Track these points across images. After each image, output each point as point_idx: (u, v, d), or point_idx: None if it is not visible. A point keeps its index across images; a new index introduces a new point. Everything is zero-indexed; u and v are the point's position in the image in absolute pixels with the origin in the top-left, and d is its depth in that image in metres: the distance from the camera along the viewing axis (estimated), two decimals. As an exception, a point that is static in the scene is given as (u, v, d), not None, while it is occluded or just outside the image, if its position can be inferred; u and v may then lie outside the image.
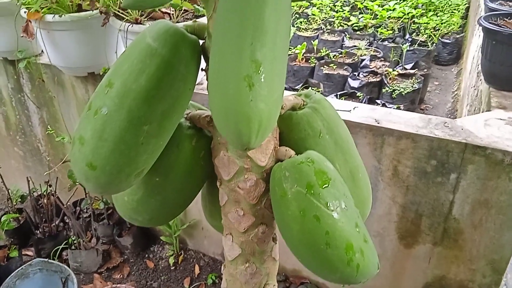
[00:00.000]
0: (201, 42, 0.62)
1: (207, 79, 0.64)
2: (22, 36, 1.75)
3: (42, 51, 1.96)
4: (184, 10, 1.59)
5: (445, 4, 4.95)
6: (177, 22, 1.53)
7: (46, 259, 1.98)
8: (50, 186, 2.13)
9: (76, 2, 1.67)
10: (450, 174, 1.43)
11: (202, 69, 0.63)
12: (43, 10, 1.65)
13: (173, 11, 1.56)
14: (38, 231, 2.16)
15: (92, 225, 2.19)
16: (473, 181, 1.40)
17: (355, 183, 0.70)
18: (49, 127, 2.13)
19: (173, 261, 2.17)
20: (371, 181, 1.13)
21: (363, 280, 0.60)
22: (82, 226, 2.11)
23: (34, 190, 2.19)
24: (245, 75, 0.45)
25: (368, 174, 0.79)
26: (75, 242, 2.12)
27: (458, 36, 4.40)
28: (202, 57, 0.62)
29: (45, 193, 2.15)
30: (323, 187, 0.59)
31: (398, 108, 3.19)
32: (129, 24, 1.51)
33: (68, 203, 2.16)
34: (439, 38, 4.34)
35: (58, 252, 2.13)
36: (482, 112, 1.85)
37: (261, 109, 0.44)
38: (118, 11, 1.55)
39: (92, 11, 1.61)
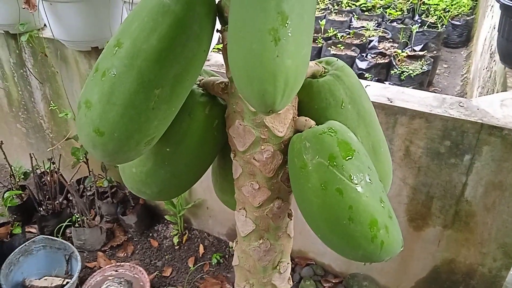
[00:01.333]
0: (217, 0, 0.58)
1: (222, 42, 0.60)
2: (24, 8, 1.69)
3: (44, 24, 1.91)
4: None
5: (455, -15, 4.84)
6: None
7: (49, 237, 1.97)
8: (54, 163, 2.10)
9: (80, -27, 1.62)
10: (464, 155, 1.39)
11: (217, 30, 0.59)
12: (45, -19, 1.60)
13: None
14: (41, 209, 2.14)
15: (96, 203, 2.17)
16: (487, 162, 1.36)
17: (376, 157, 0.66)
18: (52, 103, 2.09)
19: (178, 240, 2.15)
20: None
21: (386, 259, 0.57)
22: (85, 204, 2.09)
23: (37, 167, 2.16)
24: (270, 28, 0.40)
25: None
26: (78, 220, 2.10)
27: (468, 18, 4.30)
28: (217, 17, 0.58)
29: (48, 170, 2.13)
30: (347, 158, 0.55)
31: (407, 90, 3.14)
32: (135, -5, 1.45)
33: (72, 181, 2.13)
34: (449, 20, 4.25)
35: (61, 230, 2.11)
36: (497, 93, 1.80)
37: (288, 66, 0.40)
38: (124, -18, 1.50)
39: (97, -19, 1.55)
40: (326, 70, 0.65)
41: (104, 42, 1.78)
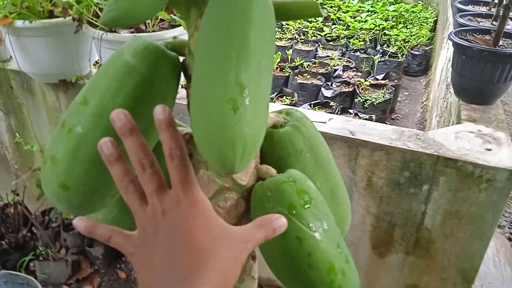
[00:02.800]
0: (181, 59, 0.61)
1: (187, 97, 0.63)
2: (-11, 41, 1.69)
3: (10, 56, 1.90)
4: (160, 19, 1.57)
5: (414, 17, 5.10)
6: (153, 31, 1.51)
7: (12, 271, 1.91)
8: (18, 195, 2.06)
9: (48, 9, 1.63)
10: (422, 185, 1.46)
11: (182, 86, 0.62)
12: (12, 16, 1.60)
13: (148, 20, 1.54)
14: (3, 242, 2.07)
15: (61, 235, 2.12)
16: (444, 192, 1.44)
17: (335, 200, 0.70)
18: (17, 135, 2.06)
19: (146, 272, 2.12)
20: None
21: (344, 300, 0.60)
22: (50, 237, 2.04)
23: (1, 199, 2.11)
24: (229, 98, 0.44)
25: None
26: (43, 253, 2.04)
27: (426, 48, 4.52)
28: (182, 74, 0.61)
29: (11, 202, 2.08)
30: (305, 207, 0.58)
31: (370, 117, 3.25)
32: (103, 32, 1.47)
33: (36, 213, 2.09)
34: (409, 49, 4.45)
35: (25, 264, 2.05)
36: (452, 123, 1.90)
37: (246, 133, 0.44)
38: (92, 19, 1.52)
39: (65, 18, 1.56)
40: (286, 121, 0.69)
41: (72, 75, 1.78)
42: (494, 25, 1.92)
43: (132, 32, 1.50)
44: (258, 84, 0.46)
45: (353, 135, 1.51)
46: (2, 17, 1.58)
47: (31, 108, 2.00)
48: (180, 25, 1.51)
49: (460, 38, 1.73)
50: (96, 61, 1.85)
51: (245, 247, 0.46)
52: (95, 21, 1.51)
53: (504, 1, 1.77)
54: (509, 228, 2.53)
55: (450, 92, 2.27)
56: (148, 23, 1.53)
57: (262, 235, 0.47)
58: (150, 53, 0.56)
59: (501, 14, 1.72)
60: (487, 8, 2.48)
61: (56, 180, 0.55)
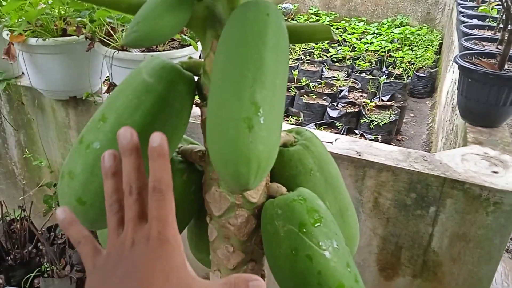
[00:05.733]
0: (196, 78, 0.63)
1: (200, 115, 0.64)
2: (3, 59, 1.73)
3: (22, 72, 1.93)
4: (171, 39, 1.60)
5: (419, 40, 5.15)
6: (164, 50, 1.54)
7: (16, 287, 1.91)
8: (24, 210, 2.06)
9: (61, 27, 1.67)
10: (429, 207, 1.46)
11: (196, 105, 0.64)
12: (26, 33, 1.64)
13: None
14: (9, 258, 2.07)
15: (66, 252, 2.12)
16: (451, 214, 1.43)
17: (344, 220, 0.71)
18: (26, 150, 2.08)
19: (149, 290, 2.10)
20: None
21: (353, 320, 0.60)
22: (56, 253, 2.04)
23: (7, 215, 2.12)
24: (244, 117, 0.45)
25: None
26: (48, 269, 2.04)
27: (432, 70, 4.56)
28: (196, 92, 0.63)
29: (18, 217, 2.08)
30: (315, 225, 0.59)
31: (376, 138, 3.26)
32: (115, 50, 1.50)
33: (43, 229, 2.09)
34: (414, 71, 4.49)
35: (29, 280, 2.05)
36: (458, 145, 1.91)
37: (261, 151, 0.45)
38: (104, 37, 1.55)
39: (78, 36, 1.60)
40: (296, 140, 0.70)
41: (82, 92, 1.81)
42: (500, 49, 1.94)
43: (143, 51, 1.53)
44: (272, 104, 0.48)
45: (359, 155, 1.52)
46: (16, 35, 1.62)
47: (41, 124, 2.03)
48: (190, 45, 1.54)
49: (466, 61, 1.75)
50: (106, 78, 1.88)
51: None
52: (107, 39, 1.54)
53: (509, 26, 1.80)
54: (517, 252, 2.50)
55: (456, 114, 2.29)
56: (159, 42, 1.56)
57: None
58: (167, 72, 0.58)
59: (506, 39, 1.74)
60: (492, 32, 2.50)
61: (74, 195, 0.57)
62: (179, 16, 0.53)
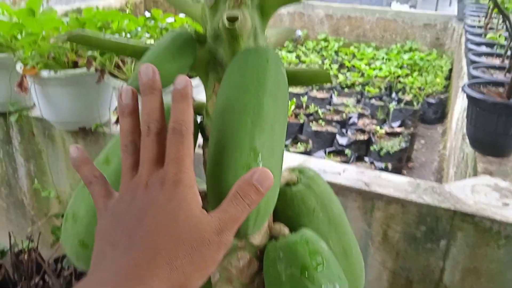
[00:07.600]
0: (199, 118, 0.64)
1: (203, 155, 0.65)
2: (16, 91, 1.76)
3: (34, 104, 1.97)
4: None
5: (429, 65, 5.16)
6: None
7: (22, 320, 1.89)
8: (32, 241, 2.07)
9: (72, 59, 1.70)
10: (440, 240, 1.43)
11: (198, 146, 0.64)
12: (38, 66, 1.68)
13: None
14: (15, 289, 2.07)
15: (73, 284, 2.11)
16: (462, 248, 1.40)
17: (348, 260, 0.70)
18: (35, 181, 2.10)
19: (156, 323, 2.07)
20: (361, 245, 1.13)
21: None
22: (62, 285, 2.03)
23: (16, 245, 2.12)
24: (244, 164, 0.45)
25: (358, 238, 0.79)
26: (54, 301, 2.03)
27: (442, 96, 4.55)
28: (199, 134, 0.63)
29: (26, 248, 2.09)
30: (318, 269, 0.58)
31: (386, 166, 3.23)
32: (124, 82, 1.53)
33: (50, 261, 2.09)
34: (424, 97, 4.48)
35: (35, 312, 2.03)
36: (469, 175, 1.88)
37: None
38: (114, 70, 1.59)
39: (89, 69, 1.63)
40: (299, 179, 0.70)
41: (91, 123, 1.84)
42: (508, 78, 1.93)
43: (152, 84, 1.56)
44: (272, 149, 0.48)
45: (368, 186, 1.50)
46: (29, 68, 1.66)
47: (51, 154, 2.05)
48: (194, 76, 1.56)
49: (474, 90, 1.75)
50: (115, 109, 1.90)
51: (219, 241, 0.40)
52: (117, 71, 1.57)
53: (517, 55, 1.80)
54: (533, 284, 2.42)
55: (466, 142, 2.27)
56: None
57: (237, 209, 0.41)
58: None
59: (514, 68, 1.74)
60: (500, 60, 2.51)
61: (76, 237, 0.57)
62: (182, 61, 0.54)
